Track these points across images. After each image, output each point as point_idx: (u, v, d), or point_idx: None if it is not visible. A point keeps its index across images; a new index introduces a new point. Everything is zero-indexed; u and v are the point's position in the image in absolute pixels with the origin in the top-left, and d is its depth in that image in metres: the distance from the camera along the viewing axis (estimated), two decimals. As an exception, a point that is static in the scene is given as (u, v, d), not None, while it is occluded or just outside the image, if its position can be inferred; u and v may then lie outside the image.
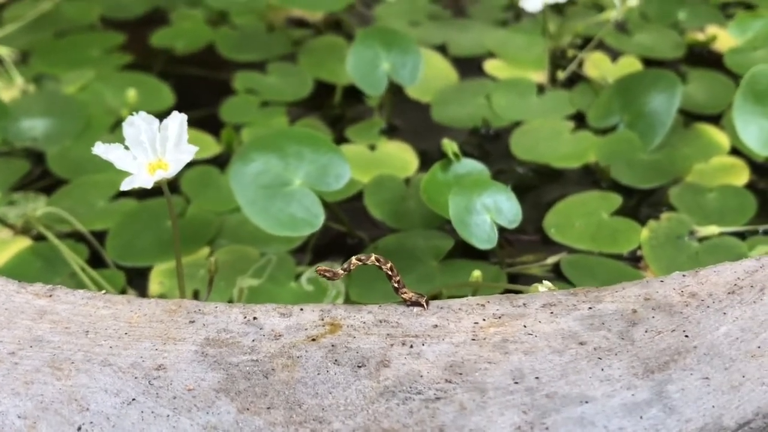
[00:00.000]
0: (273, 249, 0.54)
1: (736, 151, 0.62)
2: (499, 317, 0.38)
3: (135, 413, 0.35)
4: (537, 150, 0.62)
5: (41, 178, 0.61)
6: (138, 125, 0.41)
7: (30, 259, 0.54)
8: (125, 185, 0.39)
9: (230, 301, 0.51)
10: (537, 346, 0.37)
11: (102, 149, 0.40)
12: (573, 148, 0.63)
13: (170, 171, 0.40)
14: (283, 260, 0.54)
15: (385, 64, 0.62)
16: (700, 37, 0.73)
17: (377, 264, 0.39)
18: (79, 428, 0.35)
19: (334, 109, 0.68)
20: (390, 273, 0.39)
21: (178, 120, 0.41)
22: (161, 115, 0.43)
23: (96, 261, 0.54)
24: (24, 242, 0.55)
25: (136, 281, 0.53)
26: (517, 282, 0.52)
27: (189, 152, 0.40)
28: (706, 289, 0.39)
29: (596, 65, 0.71)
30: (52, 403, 0.35)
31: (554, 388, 0.35)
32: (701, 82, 0.68)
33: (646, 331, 0.37)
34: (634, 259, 0.54)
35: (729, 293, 0.39)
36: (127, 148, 0.41)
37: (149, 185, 0.39)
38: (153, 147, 0.41)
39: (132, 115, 0.41)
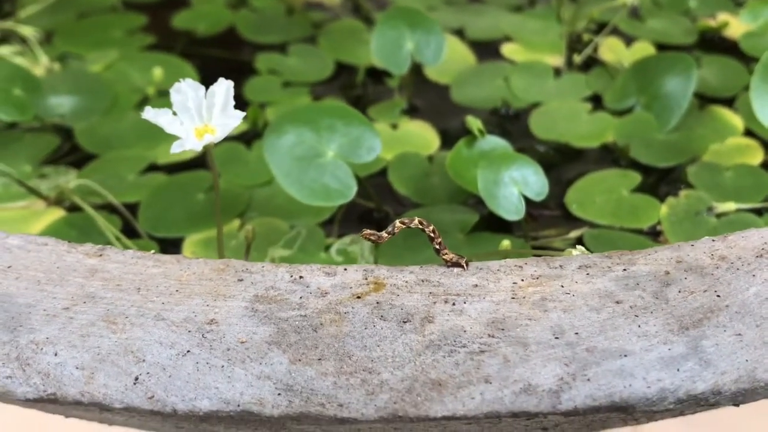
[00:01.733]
0: (302, 222, 0.56)
1: (750, 133, 0.63)
2: (537, 278, 0.40)
3: (190, 364, 0.36)
4: (556, 129, 0.64)
5: (70, 153, 0.62)
6: (185, 92, 0.42)
7: (64, 229, 0.55)
8: (175, 148, 0.40)
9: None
10: (575, 304, 0.38)
11: (151, 114, 0.41)
12: (591, 128, 0.64)
13: (217, 135, 0.41)
14: (313, 232, 0.55)
15: (409, 43, 0.63)
16: (712, 23, 0.75)
17: (420, 226, 0.41)
18: (137, 378, 0.36)
19: (356, 89, 0.69)
20: (432, 235, 0.41)
21: (224, 86, 0.42)
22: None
23: (129, 232, 0.55)
24: (57, 213, 0.56)
25: (170, 251, 0.54)
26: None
27: (236, 117, 0.41)
28: (735, 252, 0.41)
29: (611, 49, 0.72)
30: (109, 354, 0.36)
31: (594, 343, 0.36)
32: (714, 66, 0.70)
33: (679, 291, 0.39)
34: (654, 234, 0.56)
35: (757, 257, 0.40)
36: (174, 113, 0.42)
37: (198, 148, 0.41)
38: (199, 113, 0.42)
39: (179, 82, 0.42)
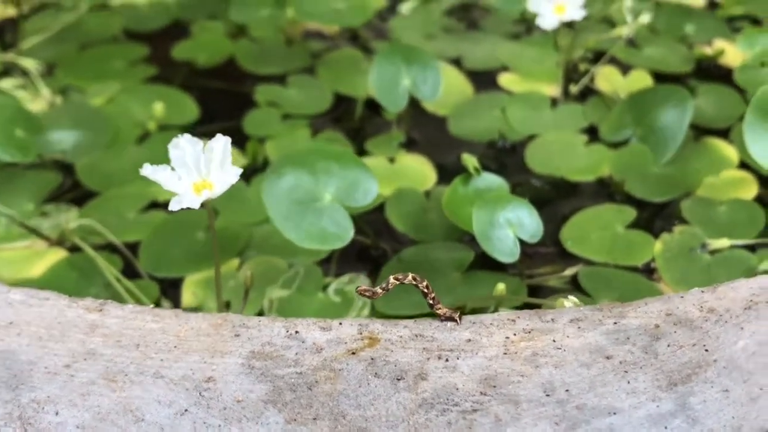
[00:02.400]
0: (300, 260, 0.56)
1: (744, 165, 0.64)
2: (529, 332, 0.40)
3: (188, 423, 0.37)
4: (552, 163, 0.65)
5: (71, 189, 0.63)
6: (183, 147, 0.43)
7: (66, 270, 0.56)
8: (173, 205, 0.41)
9: (260, 312, 0.53)
10: (566, 359, 0.39)
11: (150, 170, 0.42)
12: (587, 161, 0.65)
13: (215, 191, 0.42)
14: (311, 271, 0.56)
15: (405, 80, 0.64)
16: (708, 51, 0.75)
17: (414, 283, 0.41)
18: (136, 438, 0.36)
19: (354, 122, 0.70)
20: (426, 291, 0.41)
21: (222, 142, 0.42)
22: (187, 128, 0.44)
23: (130, 272, 0.56)
24: (59, 253, 0.57)
25: (170, 291, 0.55)
26: (537, 293, 0.55)
27: (234, 173, 0.42)
28: (724, 304, 0.41)
29: (607, 79, 0.73)
30: (109, 413, 0.37)
31: (583, 400, 0.37)
32: (710, 96, 0.70)
33: (668, 345, 0.40)
34: (649, 271, 0.56)
35: (745, 308, 0.41)
36: (173, 169, 0.43)
37: (196, 205, 0.41)
38: (197, 167, 0.43)
39: (178, 137, 0.43)
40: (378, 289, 0.41)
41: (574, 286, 0.55)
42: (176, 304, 0.54)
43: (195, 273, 0.56)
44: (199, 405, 0.37)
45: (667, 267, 0.56)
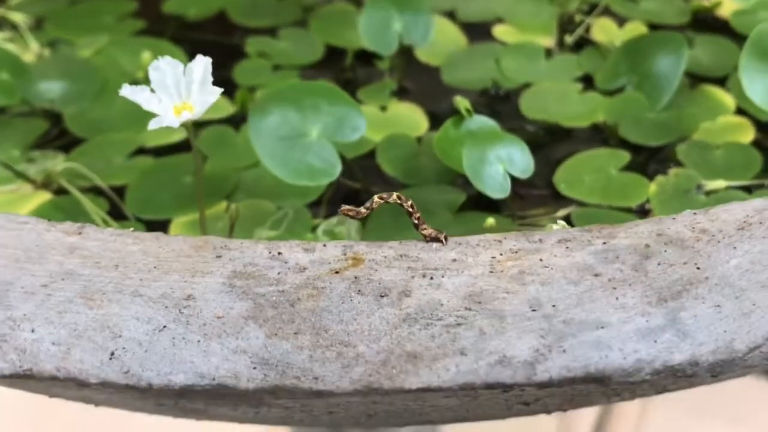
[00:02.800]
0: (289, 203, 0.55)
1: (741, 112, 0.63)
2: (516, 252, 0.40)
3: (166, 339, 0.36)
4: (546, 110, 0.64)
5: (59, 137, 0.62)
6: (163, 69, 0.42)
7: (51, 212, 0.55)
8: (153, 125, 0.40)
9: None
10: (553, 277, 0.38)
11: (129, 91, 0.41)
12: (582, 108, 0.64)
13: (196, 112, 0.41)
14: (300, 213, 0.55)
15: (397, 24, 0.63)
16: (705, 2, 0.74)
17: (398, 201, 0.41)
18: (113, 353, 0.36)
19: (346, 72, 0.69)
20: (411, 210, 0.41)
21: (202, 63, 0.42)
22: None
23: (116, 214, 0.55)
24: (44, 196, 0.56)
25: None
26: (529, 232, 0.54)
27: (214, 93, 0.41)
28: (717, 225, 0.41)
29: (603, 30, 0.72)
30: (86, 330, 0.36)
31: (571, 315, 0.36)
32: (706, 46, 0.69)
33: (658, 264, 0.39)
34: (643, 212, 0.56)
35: (739, 229, 0.40)
36: (153, 91, 0.42)
37: (176, 125, 0.40)
38: (178, 90, 0.42)
39: (158, 59, 0.42)
40: (362, 209, 0.40)
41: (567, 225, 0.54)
42: (163, 244, 0.53)
43: (182, 216, 0.55)
44: (178, 321, 0.37)
45: (661, 208, 0.55)
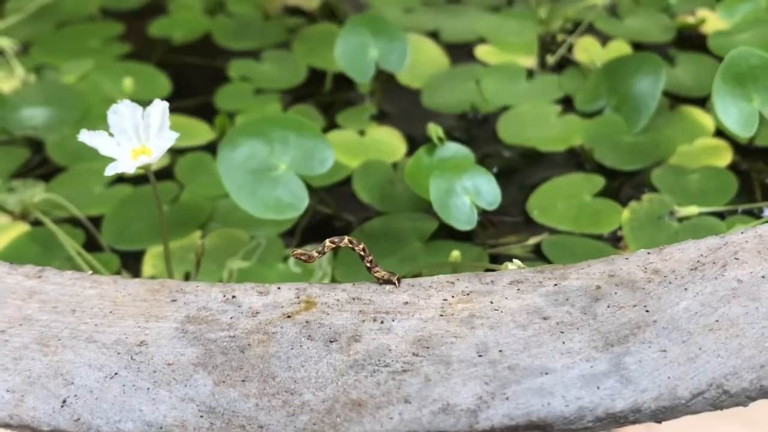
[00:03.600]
0: (263, 232, 0.56)
1: (720, 133, 0.63)
2: (468, 294, 0.40)
3: (117, 386, 0.37)
4: (523, 134, 0.64)
5: (40, 165, 0.63)
6: (122, 113, 0.42)
7: (27, 244, 0.56)
8: (109, 170, 0.41)
9: (220, 281, 0.53)
10: (502, 321, 0.38)
11: (86, 136, 0.42)
12: (559, 131, 0.64)
13: (153, 156, 0.42)
14: (273, 243, 0.56)
15: (373, 50, 0.63)
16: (690, 20, 0.74)
17: (350, 246, 0.41)
18: (64, 401, 0.36)
19: (326, 95, 0.69)
20: (362, 254, 0.41)
21: (160, 107, 0.42)
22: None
23: (92, 245, 0.56)
24: (22, 227, 0.57)
25: (131, 264, 0.55)
26: (499, 262, 0.54)
27: (170, 138, 0.41)
28: (670, 265, 0.41)
29: (586, 49, 0.72)
30: (39, 377, 0.37)
31: (516, 361, 0.37)
32: (689, 65, 0.69)
33: (608, 306, 0.39)
34: (615, 239, 0.56)
35: (691, 269, 0.40)
36: (112, 135, 0.43)
37: (132, 170, 0.41)
38: (137, 133, 0.43)
39: (116, 103, 0.43)
40: (314, 253, 0.41)
41: (538, 254, 0.54)
42: (137, 275, 0.54)
43: (156, 246, 0.56)
44: (129, 368, 0.37)
45: (633, 235, 0.55)
